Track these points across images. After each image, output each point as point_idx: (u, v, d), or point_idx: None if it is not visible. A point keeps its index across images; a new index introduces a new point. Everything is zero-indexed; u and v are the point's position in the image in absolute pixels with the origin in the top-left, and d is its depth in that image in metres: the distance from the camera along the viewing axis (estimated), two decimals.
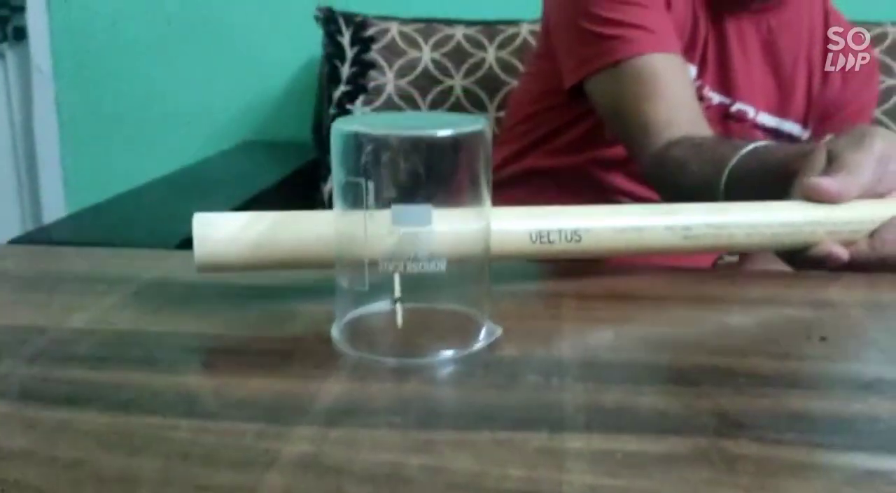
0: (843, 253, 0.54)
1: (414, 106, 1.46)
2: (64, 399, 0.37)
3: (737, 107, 1.01)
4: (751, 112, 1.01)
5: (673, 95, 0.87)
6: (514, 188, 1.10)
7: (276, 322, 0.46)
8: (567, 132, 1.05)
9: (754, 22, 1.00)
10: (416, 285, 0.41)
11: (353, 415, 0.36)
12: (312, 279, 0.52)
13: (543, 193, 1.09)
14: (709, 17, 0.98)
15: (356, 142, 0.39)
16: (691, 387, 0.38)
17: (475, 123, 0.40)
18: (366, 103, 1.47)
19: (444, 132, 0.39)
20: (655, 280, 0.53)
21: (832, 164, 0.56)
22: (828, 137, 0.62)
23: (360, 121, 0.41)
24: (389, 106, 1.46)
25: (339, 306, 0.44)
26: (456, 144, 0.40)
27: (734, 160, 0.71)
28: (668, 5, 0.94)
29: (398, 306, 0.42)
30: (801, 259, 0.55)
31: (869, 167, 0.55)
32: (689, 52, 0.97)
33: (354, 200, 0.40)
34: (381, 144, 0.39)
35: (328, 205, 1.47)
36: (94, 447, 0.33)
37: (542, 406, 0.36)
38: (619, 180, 1.03)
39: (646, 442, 0.33)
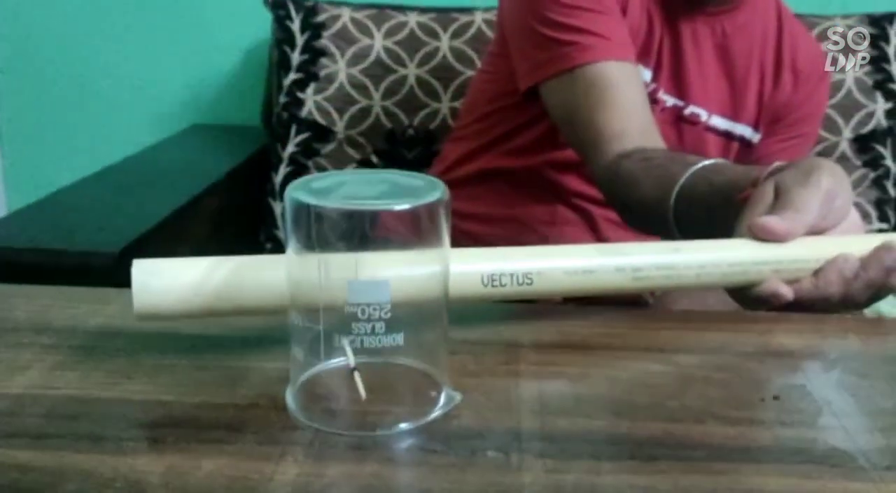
0: (788, 292, 0.55)
1: (367, 95, 1.44)
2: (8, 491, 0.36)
3: (690, 110, 1.01)
4: (703, 115, 1.02)
5: (626, 103, 0.87)
6: (468, 188, 1.10)
7: (227, 384, 0.45)
8: (522, 134, 1.05)
9: (709, 25, 0.99)
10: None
11: None
12: (264, 327, 0.51)
13: (498, 194, 1.08)
14: (664, 21, 0.98)
15: (311, 214, 0.38)
16: (650, 462, 0.38)
17: (433, 193, 0.39)
18: (317, 92, 1.45)
19: (400, 206, 0.38)
20: (610, 325, 0.53)
21: (779, 199, 0.57)
22: (776, 164, 0.62)
23: (316, 189, 0.40)
24: (341, 95, 1.44)
25: (293, 370, 0.43)
26: (415, 216, 0.39)
27: (683, 179, 0.72)
28: (624, 11, 0.94)
29: (356, 376, 0.41)
30: (748, 297, 0.55)
31: (816, 205, 0.56)
32: (644, 56, 0.97)
33: (309, 271, 0.39)
34: (336, 217, 0.38)
35: (280, 195, 1.45)
36: None
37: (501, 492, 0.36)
38: (574, 183, 1.03)
39: None
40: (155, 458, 0.38)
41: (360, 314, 0.39)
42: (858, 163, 1.41)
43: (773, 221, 0.55)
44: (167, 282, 0.47)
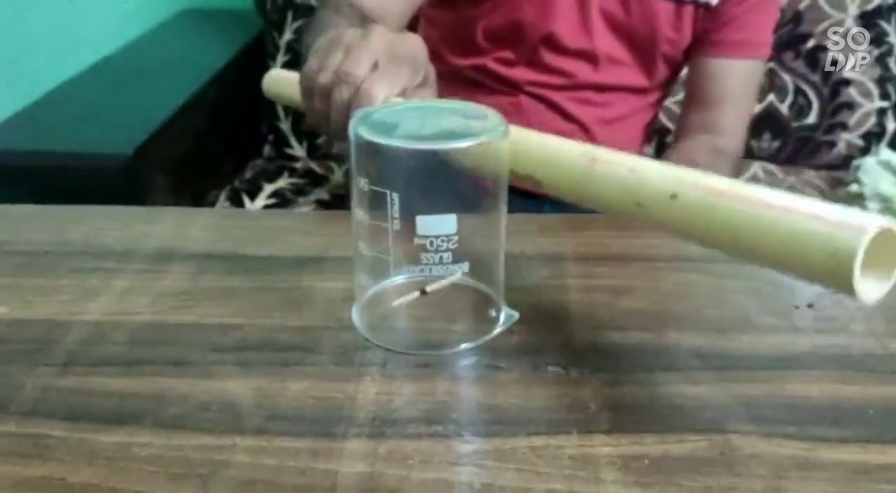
0: None
1: None
2: (113, 417, 0.39)
3: None
4: None
5: None
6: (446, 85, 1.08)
7: (294, 305, 0.48)
8: (459, 35, 1.01)
9: None
10: None
11: (395, 424, 0.38)
12: (316, 246, 0.54)
13: (460, 92, 1.06)
14: None
15: (379, 152, 0.40)
16: (698, 372, 0.42)
17: (496, 128, 0.41)
18: None
19: (465, 143, 0.39)
20: (646, 236, 0.55)
21: None
22: None
23: (379, 125, 0.41)
24: None
25: (358, 294, 0.46)
26: (478, 151, 0.40)
27: (319, 41, 0.66)
28: None
29: (423, 290, 0.43)
30: None
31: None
32: None
33: (377, 206, 0.41)
34: (404, 156, 0.39)
35: None
36: (163, 479, 0.35)
37: (567, 405, 0.39)
38: (526, 74, 0.99)
39: (667, 443, 0.37)
40: (243, 381, 0.41)
41: (428, 246, 0.41)
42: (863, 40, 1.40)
43: None
44: None
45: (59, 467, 0.36)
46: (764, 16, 0.98)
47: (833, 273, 0.33)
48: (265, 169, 1.40)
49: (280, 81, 0.79)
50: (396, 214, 0.40)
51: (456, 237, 0.41)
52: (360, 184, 0.41)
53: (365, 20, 0.79)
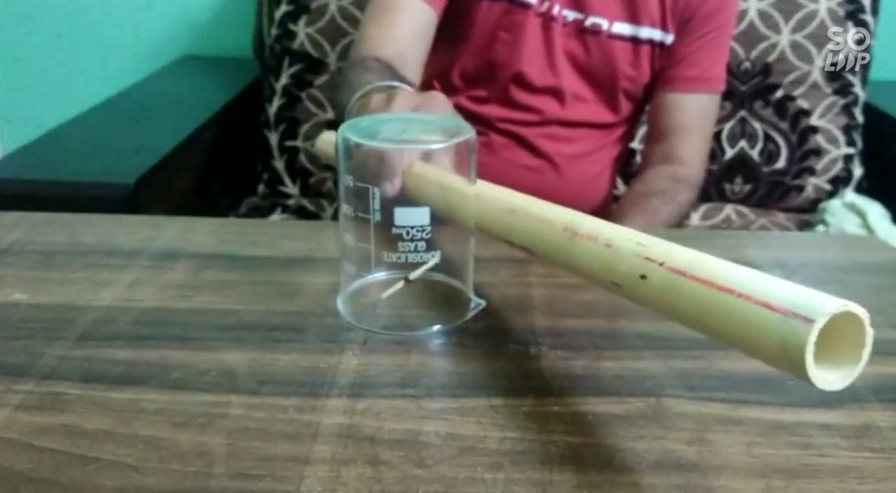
0: None
1: (358, 27, 1.48)
2: (123, 380, 0.44)
3: (591, 21, 1.02)
4: (605, 24, 1.02)
5: (397, 29, 0.94)
6: None
7: (285, 295, 0.53)
8: (441, 75, 1.09)
9: None
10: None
11: (372, 388, 0.44)
12: (306, 248, 0.59)
13: None
14: None
15: (364, 152, 0.46)
16: (641, 350, 0.47)
17: (465, 133, 0.47)
18: (309, 24, 1.49)
19: (437, 145, 0.46)
20: None
21: None
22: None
23: (365, 131, 0.47)
24: (333, 27, 1.48)
25: (344, 282, 0.51)
26: (448, 152, 0.46)
27: (353, 99, 0.76)
28: None
29: (399, 285, 0.49)
30: None
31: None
32: None
33: (360, 201, 0.47)
34: (384, 154, 0.46)
35: (274, 127, 1.51)
36: (167, 426, 0.40)
37: (525, 375, 0.45)
38: (497, 112, 1.06)
39: (609, 404, 0.43)
40: (239, 353, 0.47)
41: (405, 235, 0.47)
42: (829, 91, 1.48)
43: None
44: None
45: (75, 417, 0.41)
46: (714, 53, 1.06)
47: (787, 364, 0.32)
48: (259, 205, 1.46)
49: (328, 145, 0.86)
50: (377, 207, 0.46)
51: (429, 228, 0.47)
52: (347, 181, 0.47)
53: (390, 70, 0.86)
